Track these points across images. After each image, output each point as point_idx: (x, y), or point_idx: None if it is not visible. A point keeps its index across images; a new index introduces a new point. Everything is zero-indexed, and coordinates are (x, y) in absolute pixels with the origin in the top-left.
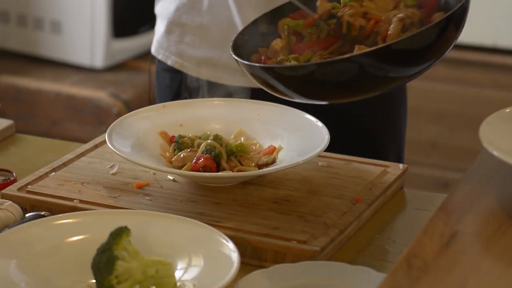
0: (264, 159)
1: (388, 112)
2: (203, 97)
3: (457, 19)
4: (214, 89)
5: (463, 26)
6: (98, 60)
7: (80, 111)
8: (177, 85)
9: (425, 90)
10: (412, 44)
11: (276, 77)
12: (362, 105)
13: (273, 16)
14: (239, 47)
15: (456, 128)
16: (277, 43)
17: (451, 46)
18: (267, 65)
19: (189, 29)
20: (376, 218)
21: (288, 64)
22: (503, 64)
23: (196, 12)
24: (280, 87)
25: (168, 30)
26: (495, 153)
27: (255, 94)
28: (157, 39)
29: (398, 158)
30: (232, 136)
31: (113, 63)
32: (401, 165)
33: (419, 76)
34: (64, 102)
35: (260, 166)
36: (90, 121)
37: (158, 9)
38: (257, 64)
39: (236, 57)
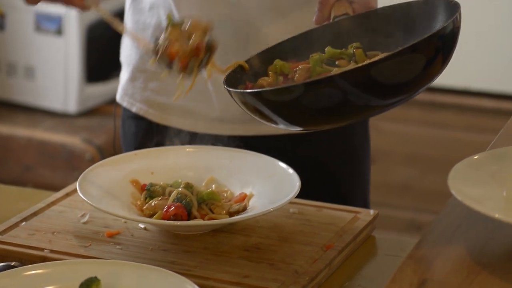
0: (235, 207)
1: (351, 157)
2: (169, 144)
3: (447, 37)
4: (180, 136)
5: (453, 50)
6: (71, 105)
7: (53, 157)
8: (143, 133)
9: (398, 133)
10: (399, 64)
11: (264, 102)
12: (327, 150)
13: (265, 56)
14: (229, 82)
15: (429, 171)
16: (264, 80)
17: (437, 73)
18: (255, 90)
19: (153, 76)
20: (347, 264)
21: (275, 87)
22: (475, 107)
23: None
24: (268, 112)
25: (133, 77)
26: (464, 201)
27: (220, 140)
28: (122, 87)
29: (364, 202)
30: (204, 183)
31: (86, 108)
32: (371, 211)
33: (399, 105)
34: (37, 148)
35: (231, 214)
36: (63, 167)
37: (123, 56)
38: (246, 90)
39: (226, 87)
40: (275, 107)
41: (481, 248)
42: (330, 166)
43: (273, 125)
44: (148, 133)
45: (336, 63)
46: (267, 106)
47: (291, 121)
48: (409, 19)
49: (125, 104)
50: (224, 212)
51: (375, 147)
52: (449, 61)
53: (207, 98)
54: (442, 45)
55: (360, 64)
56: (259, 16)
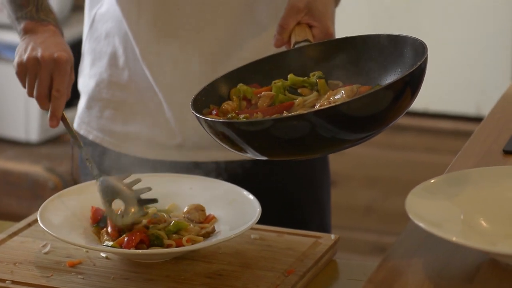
0: (205, 230)
1: (310, 182)
2: (127, 171)
3: (415, 79)
4: (135, 164)
5: (419, 87)
6: (33, 134)
7: (16, 186)
8: (100, 160)
9: (359, 156)
10: (361, 106)
11: (236, 132)
12: (285, 175)
13: (229, 79)
14: (196, 106)
15: (391, 193)
16: (228, 104)
17: (406, 108)
18: (228, 120)
19: (109, 104)
20: None
21: (248, 119)
22: (434, 128)
23: (116, 87)
24: (238, 141)
25: (89, 106)
26: (421, 224)
27: (178, 168)
28: (79, 115)
29: (322, 226)
30: (166, 208)
31: (48, 136)
32: (332, 236)
33: (368, 139)
34: (0, 177)
35: (204, 235)
36: (27, 196)
37: (80, 85)
38: (219, 120)
39: (195, 113)
40: (246, 137)
41: (440, 271)
42: (289, 192)
43: (240, 153)
44: (105, 161)
45: (299, 91)
46: (238, 136)
47: (260, 151)
48: (374, 51)
49: (82, 132)
50: (195, 235)
51: (336, 170)
52: (416, 97)
53: (166, 125)
54: (412, 84)
55: (333, 104)
56: (224, 44)
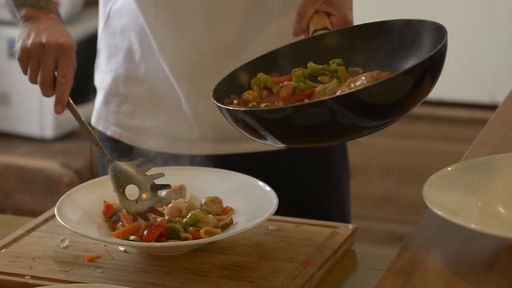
0: (223, 221)
1: (329, 173)
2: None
3: (435, 64)
4: (154, 158)
5: (440, 72)
6: (47, 130)
7: (31, 182)
8: (118, 155)
9: (374, 146)
10: (381, 92)
11: (257, 120)
12: (304, 167)
13: (248, 68)
14: (216, 95)
15: (407, 182)
16: (249, 93)
17: (426, 93)
18: (249, 109)
19: (126, 99)
20: (328, 279)
21: (268, 107)
22: (449, 117)
23: (133, 81)
24: (259, 129)
25: (106, 101)
26: (439, 212)
27: (196, 161)
28: (96, 110)
29: (342, 218)
30: (187, 199)
31: (62, 132)
32: (350, 225)
33: (388, 126)
34: (15, 174)
35: (221, 227)
36: (42, 192)
37: (97, 80)
38: (240, 109)
39: (216, 103)
40: (267, 125)
41: (458, 259)
42: (308, 183)
43: (261, 141)
44: (123, 155)
45: (319, 79)
46: (260, 124)
47: (281, 138)
48: (393, 37)
49: (100, 127)
50: (213, 227)
51: (352, 160)
52: (436, 82)
53: (183, 119)
54: (432, 69)
55: (354, 89)
56: (238, 35)
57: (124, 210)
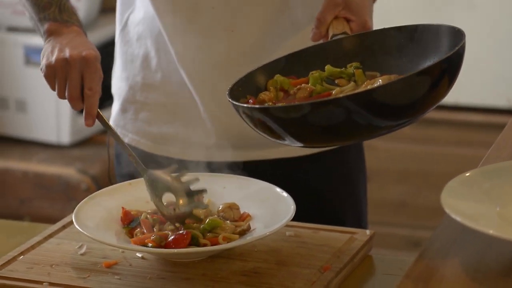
0: (240, 228)
1: (345, 178)
2: None
3: (452, 65)
4: (172, 165)
5: (457, 74)
6: (64, 136)
7: (48, 189)
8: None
9: (390, 151)
10: (397, 91)
11: (272, 118)
12: (320, 172)
13: (265, 70)
14: (232, 94)
15: (424, 187)
16: (265, 94)
17: (442, 95)
18: (264, 106)
19: (143, 106)
20: (345, 285)
21: (283, 104)
22: (465, 121)
23: (149, 89)
24: (274, 127)
25: (123, 109)
26: (457, 218)
27: (214, 168)
28: (113, 118)
29: (358, 224)
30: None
31: (79, 138)
32: (368, 231)
33: (405, 126)
34: (32, 180)
35: (239, 233)
36: (59, 198)
37: (113, 88)
38: (256, 106)
39: (232, 101)
40: (282, 123)
41: (476, 265)
42: (325, 189)
43: (278, 140)
44: (142, 163)
45: (336, 82)
46: (275, 122)
47: (297, 137)
48: (411, 42)
49: None
50: (231, 233)
51: (368, 165)
52: (453, 85)
53: (201, 125)
54: (449, 70)
55: (370, 87)
56: (258, 42)
57: (147, 217)
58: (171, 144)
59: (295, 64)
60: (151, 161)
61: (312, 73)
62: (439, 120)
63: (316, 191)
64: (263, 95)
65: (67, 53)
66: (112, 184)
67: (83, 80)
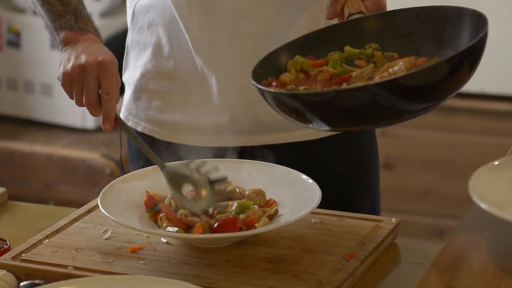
0: (267, 213)
1: (359, 163)
2: (174, 160)
3: (475, 53)
4: (185, 152)
5: (479, 61)
6: (89, 121)
7: (73, 173)
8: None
9: (415, 139)
10: (425, 78)
11: (301, 102)
12: (335, 158)
13: (286, 50)
14: (255, 77)
15: (448, 176)
16: (286, 76)
17: (465, 82)
18: (292, 92)
19: (156, 94)
20: (370, 273)
21: (311, 90)
22: (491, 110)
23: (162, 77)
24: (304, 111)
25: (136, 97)
26: (485, 207)
27: (228, 153)
28: (125, 106)
29: (373, 209)
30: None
31: None
32: (393, 219)
33: (427, 111)
34: (57, 164)
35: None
36: (84, 183)
37: (125, 77)
38: (283, 91)
39: (258, 85)
40: (310, 107)
41: (504, 254)
42: (339, 174)
43: (303, 124)
44: (155, 150)
45: (355, 62)
46: (303, 105)
47: (324, 121)
48: (429, 24)
49: (130, 123)
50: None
51: (393, 154)
52: (475, 71)
53: (214, 112)
54: (472, 58)
55: (395, 76)
56: (274, 23)
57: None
58: (185, 131)
59: (314, 43)
60: (163, 148)
61: (331, 54)
62: (464, 109)
63: (330, 175)
64: (284, 77)
65: (83, 59)
66: (125, 170)
67: (100, 85)
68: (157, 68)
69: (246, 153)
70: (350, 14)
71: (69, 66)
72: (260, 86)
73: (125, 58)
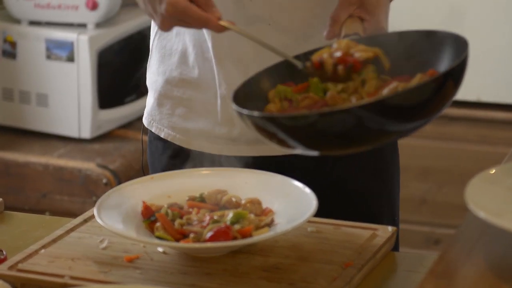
0: (263, 222)
1: (380, 174)
2: (194, 166)
3: (457, 75)
4: (207, 160)
5: (461, 82)
6: (85, 131)
7: (69, 183)
8: (170, 154)
9: (411, 147)
10: (409, 98)
11: (278, 126)
12: (353, 167)
13: (270, 73)
14: (238, 100)
15: (444, 184)
16: (272, 106)
17: (450, 102)
18: (269, 115)
19: (180, 102)
20: (367, 282)
21: (290, 113)
22: (487, 118)
23: (187, 84)
24: (281, 136)
25: (160, 103)
26: (482, 215)
27: (248, 164)
28: (149, 112)
29: (392, 220)
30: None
31: (100, 133)
32: (390, 228)
33: (413, 132)
34: (53, 174)
35: (262, 227)
36: (80, 193)
37: (148, 81)
38: (261, 114)
39: (237, 108)
40: (291, 131)
41: (501, 262)
42: (359, 186)
43: (289, 150)
44: (175, 156)
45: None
46: (283, 131)
47: (308, 146)
48: (410, 48)
49: (153, 129)
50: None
51: None
52: (459, 89)
53: (232, 121)
54: (455, 78)
55: (382, 97)
56: (295, 35)
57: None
58: (206, 139)
59: (293, 68)
60: (186, 156)
61: (310, 79)
62: (460, 117)
63: (346, 187)
64: (270, 107)
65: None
66: (132, 178)
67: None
68: (182, 75)
69: (265, 162)
70: (346, 35)
71: (158, 22)
72: (238, 108)
73: (149, 62)
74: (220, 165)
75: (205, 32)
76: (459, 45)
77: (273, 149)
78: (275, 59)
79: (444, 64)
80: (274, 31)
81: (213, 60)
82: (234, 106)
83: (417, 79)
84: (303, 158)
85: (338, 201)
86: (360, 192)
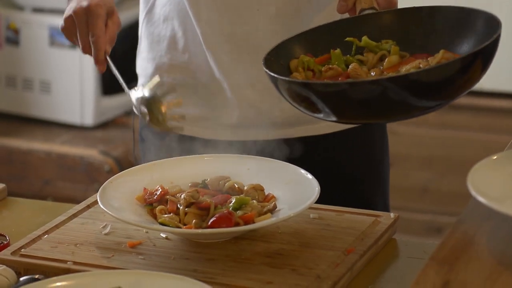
0: (266, 208)
1: (370, 158)
2: (187, 153)
3: (487, 54)
4: (198, 145)
5: (491, 61)
6: (88, 118)
7: (71, 170)
8: (161, 141)
9: (414, 136)
10: (437, 75)
11: (313, 92)
12: (346, 154)
13: (298, 41)
14: (267, 65)
15: (447, 173)
16: (297, 75)
17: (475, 83)
18: (307, 81)
19: (170, 88)
20: (369, 268)
21: (325, 81)
22: (490, 107)
23: (176, 70)
24: (314, 99)
25: None
26: (484, 201)
27: (241, 148)
28: None
29: (384, 205)
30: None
31: (102, 120)
32: (392, 214)
33: (438, 109)
34: (56, 161)
35: (265, 213)
36: (82, 179)
37: (139, 68)
38: (297, 80)
39: (271, 73)
40: (323, 96)
41: (502, 248)
42: (349, 170)
43: (312, 113)
44: (169, 142)
45: (364, 54)
46: (316, 96)
47: (335, 112)
48: (441, 23)
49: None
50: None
51: (392, 151)
52: (486, 71)
53: (228, 106)
54: (485, 59)
55: (408, 72)
56: (287, 20)
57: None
58: (198, 124)
59: (324, 36)
60: (178, 141)
61: (332, 51)
62: (463, 106)
63: (340, 172)
64: (296, 75)
65: (70, 10)
66: (134, 165)
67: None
68: (172, 61)
69: (258, 147)
70: (362, 9)
71: (62, 19)
72: (273, 74)
73: (138, 49)
74: (213, 150)
75: (192, 16)
76: (490, 24)
77: (264, 134)
78: (266, 39)
79: (475, 43)
80: (262, 17)
81: (203, 45)
82: (270, 72)
83: (440, 55)
84: (295, 144)
85: (331, 187)
86: (352, 177)
